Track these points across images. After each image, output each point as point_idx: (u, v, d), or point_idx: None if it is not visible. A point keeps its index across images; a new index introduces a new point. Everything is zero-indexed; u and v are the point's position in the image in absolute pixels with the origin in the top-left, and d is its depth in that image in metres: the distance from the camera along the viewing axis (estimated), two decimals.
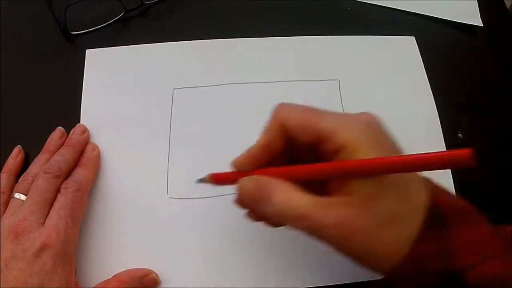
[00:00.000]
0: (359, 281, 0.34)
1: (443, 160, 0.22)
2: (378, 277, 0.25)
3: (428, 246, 0.23)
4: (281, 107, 0.27)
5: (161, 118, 0.38)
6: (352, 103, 0.40)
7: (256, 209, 0.26)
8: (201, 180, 0.31)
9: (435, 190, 0.25)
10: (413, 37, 0.44)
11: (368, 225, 0.23)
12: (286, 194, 0.24)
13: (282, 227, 0.28)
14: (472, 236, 0.24)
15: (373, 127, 0.25)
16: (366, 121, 0.25)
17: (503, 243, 0.25)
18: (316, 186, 0.25)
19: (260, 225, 0.34)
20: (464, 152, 0.20)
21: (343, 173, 0.24)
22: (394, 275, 0.24)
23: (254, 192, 0.26)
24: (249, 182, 0.26)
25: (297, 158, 0.27)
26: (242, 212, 0.29)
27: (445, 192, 0.26)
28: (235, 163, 0.28)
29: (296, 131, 0.26)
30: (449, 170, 0.38)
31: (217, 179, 0.30)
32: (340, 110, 0.40)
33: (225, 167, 0.37)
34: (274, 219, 0.26)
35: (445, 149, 0.39)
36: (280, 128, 0.26)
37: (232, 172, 0.28)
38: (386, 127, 0.25)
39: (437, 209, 0.24)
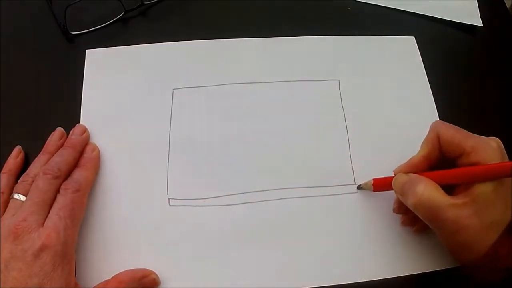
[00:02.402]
0: (359, 281, 0.34)
1: None
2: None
3: (505, 248, 0.29)
4: (437, 123, 0.34)
5: (161, 118, 0.38)
6: (352, 103, 0.40)
7: (403, 199, 0.33)
8: (361, 187, 0.37)
9: None
10: (413, 37, 0.44)
11: (476, 225, 0.30)
12: (427, 187, 0.31)
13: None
14: None
15: (501, 151, 0.32)
16: (498, 145, 0.32)
17: None
18: (446, 187, 0.31)
19: (259, 225, 0.34)
20: None
21: (472, 177, 0.31)
22: (472, 267, 0.31)
23: (404, 183, 0.32)
24: (402, 176, 0.33)
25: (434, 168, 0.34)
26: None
27: None
28: (396, 171, 0.34)
29: (447, 144, 0.32)
30: None
31: (377, 185, 0.35)
32: (340, 110, 0.40)
33: (225, 167, 0.37)
34: (413, 209, 0.32)
35: None
36: (438, 140, 0.33)
37: (390, 177, 0.34)
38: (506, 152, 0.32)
39: None
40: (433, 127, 0.34)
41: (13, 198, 0.32)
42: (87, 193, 0.34)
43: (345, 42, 0.43)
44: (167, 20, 0.44)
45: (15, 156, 0.36)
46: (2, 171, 0.35)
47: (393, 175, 0.34)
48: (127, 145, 0.37)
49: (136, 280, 0.32)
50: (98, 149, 0.36)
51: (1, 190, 0.33)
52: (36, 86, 0.40)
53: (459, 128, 0.33)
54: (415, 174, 0.33)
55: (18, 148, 0.36)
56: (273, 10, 0.45)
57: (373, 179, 0.36)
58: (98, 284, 0.32)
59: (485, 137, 0.32)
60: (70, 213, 0.31)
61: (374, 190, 0.36)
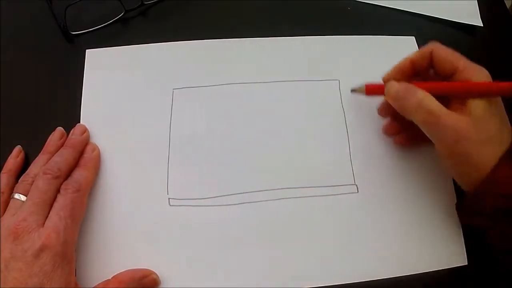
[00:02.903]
0: (359, 281, 0.34)
1: None
2: None
3: (503, 171, 0.30)
4: (435, 44, 0.35)
5: (161, 118, 0.38)
6: (352, 103, 0.40)
7: (397, 104, 0.34)
8: (355, 90, 0.37)
9: None
10: (413, 37, 0.44)
11: (474, 137, 0.31)
12: (426, 95, 0.32)
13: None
14: None
15: (490, 79, 0.33)
16: (488, 73, 0.33)
17: None
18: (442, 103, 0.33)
19: (259, 225, 0.34)
20: None
21: (467, 91, 0.32)
22: (475, 193, 0.32)
23: (400, 90, 0.34)
24: (397, 84, 0.34)
25: None
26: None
27: None
28: (384, 78, 0.36)
29: (441, 60, 0.34)
30: None
31: (370, 90, 0.36)
32: (340, 110, 0.40)
33: (225, 167, 0.37)
34: (408, 111, 0.33)
35: None
36: (430, 53, 0.34)
37: (382, 84, 0.36)
38: None
39: None
40: (429, 44, 0.35)
41: (13, 198, 0.32)
42: (87, 193, 0.34)
43: (345, 42, 0.43)
44: (167, 20, 0.44)
45: (15, 156, 0.36)
46: (2, 171, 0.35)
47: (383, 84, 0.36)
48: (127, 145, 0.37)
49: (136, 280, 0.32)
50: (98, 149, 0.36)
51: (1, 190, 0.33)
52: (36, 86, 0.40)
53: (453, 50, 0.34)
54: (410, 84, 0.34)
55: (18, 148, 0.36)
56: (273, 10, 0.45)
57: (366, 84, 0.37)
58: (98, 284, 0.32)
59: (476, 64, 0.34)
60: (70, 213, 0.31)
61: (367, 94, 0.37)
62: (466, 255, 0.36)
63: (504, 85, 0.32)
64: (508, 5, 0.49)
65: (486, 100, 0.32)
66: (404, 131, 0.37)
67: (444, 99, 0.33)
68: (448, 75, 0.34)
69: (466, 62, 0.33)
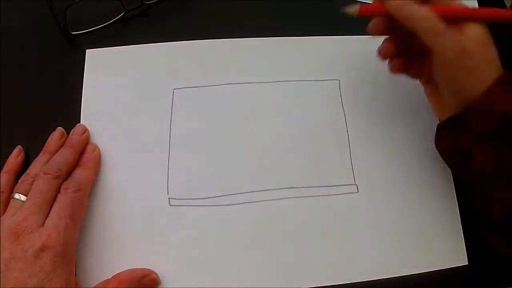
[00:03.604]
0: (359, 281, 0.34)
1: None
2: None
3: (498, 92, 0.31)
4: None
5: (161, 118, 0.38)
6: (352, 103, 0.40)
7: (404, 10, 0.32)
8: (346, 12, 0.34)
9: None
10: None
11: (479, 54, 0.31)
12: (431, 13, 0.31)
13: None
14: None
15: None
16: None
17: None
18: None
19: (259, 225, 0.34)
20: None
21: (459, 12, 0.32)
22: (465, 108, 0.32)
23: (401, 4, 0.32)
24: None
25: None
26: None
27: None
28: None
29: None
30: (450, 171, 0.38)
31: (365, 10, 0.34)
32: (340, 110, 0.40)
33: (226, 167, 0.37)
34: (416, 18, 0.32)
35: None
36: None
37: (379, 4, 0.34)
38: None
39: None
40: None
41: (13, 198, 0.32)
42: (88, 193, 0.34)
43: (345, 42, 0.43)
44: (167, 20, 0.44)
45: (15, 156, 0.36)
46: (2, 171, 0.35)
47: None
48: (127, 145, 0.37)
49: (136, 280, 0.32)
50: (99, 149, 0.36)
51: (1, 189, 0.33)
52: (36, 86, 0.40)
53: None
54: None
55: (18, 148, 0.36)
56: (273, 10, 0.45)
57: (360, 5, 0.34)
58: (98, 284, 0.32)
59: None
60: (70, 213, 0.31)
61: (360, 14, 0.34)
62: (466, 255, 0.36)
63: (497, 10, 0.32)
64: (508, 5, 0.49)
65: (482, 26, 0.32)
66: (399, 56, 0.36)
67: None
68: None
69: None
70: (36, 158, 0.35)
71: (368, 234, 0.36)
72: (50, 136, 0.36)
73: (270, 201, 0.36)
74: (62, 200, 0.31)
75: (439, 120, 0.35)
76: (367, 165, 0.38)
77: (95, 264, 0.34)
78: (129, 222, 0.35)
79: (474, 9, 0.33)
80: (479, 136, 0.31)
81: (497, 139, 0.31)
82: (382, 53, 0.36)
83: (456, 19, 0.32)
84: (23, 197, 0.32)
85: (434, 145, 0.35)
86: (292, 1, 0.45)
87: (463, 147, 0.33)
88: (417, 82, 0.37)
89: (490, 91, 0.31)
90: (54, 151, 0.35)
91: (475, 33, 0.32)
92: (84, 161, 0.35)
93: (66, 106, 0.38)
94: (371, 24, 0.35)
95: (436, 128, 0.35)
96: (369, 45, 0.43)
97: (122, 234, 0.34)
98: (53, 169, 0.32)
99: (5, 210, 0.32)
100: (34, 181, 0.32)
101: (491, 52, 0.32)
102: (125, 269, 0.33)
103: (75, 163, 0.34)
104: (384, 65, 0.37)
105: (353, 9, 0.34)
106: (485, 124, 0.31)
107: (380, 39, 0.36)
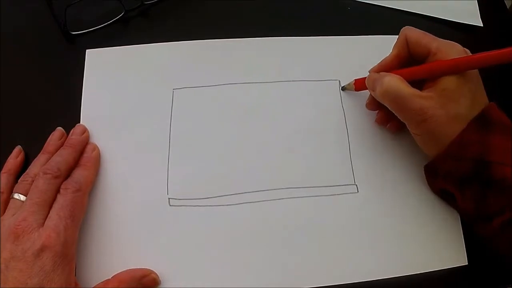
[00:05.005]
0: (359, 281, 0.34)
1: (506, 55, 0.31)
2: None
3: (472, 136, 0.32)
4: (406, 27, 0.36)
5: (161, 118, 0.38)
6: (352, 103, 0.40)
7: (372, 94, 0.37)
8: (344, 88, 0.40)
9: (493, 104, 0.33)
10: None
11: (441, 115, 0.32)
12: (392, 80, 0.34)
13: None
14: (508, 146, 0.32)
15: (466, 53, 0.34)
16: (463, 49, 0.34)
17: None
18: (414, 84, 0.34)
19: (259, 225, 0.34)
20: None
21: (434, 71, 0.33)
22: (440, 156, 0.33)
23: (369, 80, 0.37)
24: (373, 74, 0.37)
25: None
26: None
27: (499, 108, 0.34)
28: (371, 71, 0.38)
29: (414, 46, 0.35)
30: None
31: (358, 84, 0.39)
32: (340, 110, 0.40)
33: (225, 167, 0.37)
34: (381, 98, 0.35)
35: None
36: (406, 42, 0.35)
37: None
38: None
39: (489, 114, 0.32)
40: (401, 30, 0.36)
41: (13, 198, 0.32)
42: (88, 193, 0.34)
43: (345, 42, 0.43)
44: (167, 20, 0.44)
45: (15, 156, 0.36)
46: (2, 171, 0.35)
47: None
48: (127, 145, 0.37)
49: (136, 280, 0.32)
50: (98, 149, 0.36)
51: (1, 190, 0.33)
52: (36, 86, 0.40)
53: (426, 32, 0.35)
54: (384, 72, 0.36)
55: (18, 148, 0.36)
56: (273, 10, 0.45)
57: (355, 80, 0.39)
58: (98, 284, 0.32)
59: (451, 41, 0.35)
60: (70, 213, 0.31)
61: (356, 90, 0.39)
62: (466, 255, 0.36)
63: (466, 59, 0.33)
64: (508, 5, 0.49)
65: (457, 76, 0.32)
66: (393, 119, 0.37)
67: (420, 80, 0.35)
68: (423, 59, 0.35)
69: (439, 43, 0.34)
70: (36, 158, 0.35)
71: (368, 234, 0.36)
72: (50, 136, 0.36)
73: (270, 201, 0.36)
74: (62, 200, 0.31)
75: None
76: (367, 165, 0.38)
77: (95, 264, 0.34)
78: (129, 222, 0.35)
79: (440, 63, 0.33)
80: (456, 181, 0.33)
81: (473, 182, 0.32)
82: (378, 122, 0.39)
83: (424, 78, 0.34)
84: (22, 197, 0.32)
85: None
86: (292, 1, 0.45)
87: (447, 189, 0.35)
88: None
89: (461, 135, 0.32)
90: (54, 151, 0.35)
91: (446, 86, 0.32)
92: (84, 161, 0.35)
93: (66, 106, 0.38)
94: (367, 103, 0.39)
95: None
96: (369, 45, 0.44)
97: (122, 234, 0.34)
98: (53, 169, 0.32)
99: (5, 211, 0.32)
100: (33, 181, 0.32)
101: (461, 104, 0.32)
102: (125, 269, 0.33)
103: (75, 163, 0.34)
104: None
105: (348, 85, 0.40)
106: (459, 170, 0.33)
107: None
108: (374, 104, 0.38)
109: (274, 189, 0.37)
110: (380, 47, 0.43)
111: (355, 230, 0.36)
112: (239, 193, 0.36)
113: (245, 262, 0.34)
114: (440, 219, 0.36)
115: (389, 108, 0.35)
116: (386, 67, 0.37)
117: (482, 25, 0.45)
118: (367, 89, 0.37)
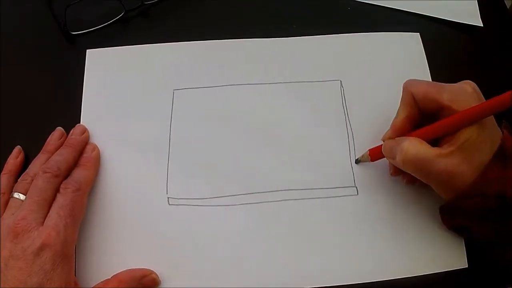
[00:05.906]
0: (359, 282, 0.34)
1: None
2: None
3: (493, 173, 0.30)
4: (408, 82, 0.34)
5: (161, 118, 0.38)
6: (354, 103, 0.40)
7: (394, 162, 0.33)
8: (359, 160, 0.38)
9: (506, 134, 0.32)
10: (418, 33, 0.43)
11: (467, 169, 0.30)
12: (413, 144, 0.32)
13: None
14: None
15: (477, 94, 0.32)
16: (473, 89, 0.32)
17: None
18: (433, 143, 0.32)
19: (259, 226, 0.34)
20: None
21: (454, 126, 0.31)
22: (460, 197, 0.31)
23: (385, 151, 0.34)
24: (389, 141, 0.34)
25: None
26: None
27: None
28: (384, 138, 0.35)
29: (423, 101, 0.33)
30: None
31: (373, 154, 0.36)
32: (341, 111, 0.40)
33: (225, 168, 0.37)
34: (402, 166, 0.33)
35: None
36: (413, 99, 0.33)
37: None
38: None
39: (506, 148, 0.31)
40: (405, 86, 0.34)
41: (12, 197, 0.32)
42: (87, 193, 0.34)
43: (346, 40, 0.43)
44: (167, 20, 0.44)
45: (15, 156, 0.36)
46: (2, 172, 0.35)
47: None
48: (127, 145, 0.37)
49: (136, 280, 0.32)
50: (98, 148, 0.36)
51: (2, 191, 0.33)
52: (36, 86, 0.40)
53: (431, 82, 0.34)
54: (400, 137, 0.33)
55: (18, 148, 0.36)
56: (273, 10, 0.45)
57: (369, 150, 0.37)
58: (98, 284, 0.32)
59: (458, 84, 0.33)
60: (70, 212, 0.31)
61: (372, 160, 0.37)
62: (466, 258, 0.36)
63: (487, 105, 0.31)
64: (508, 5, 0.49)
65: (476, 127, 0.31)
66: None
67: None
68: (434, 112, 0.33)
69: (449, 94, 0.32)
70: (36, 158, 0.35)
71: (368, 236, 0.36)
72: (50, 135, 0.36)
73: (270, 202, 0.36)
74: (62, 199, 0.31)
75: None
76: (368, 167, 0.38)
77: (95, 264, 0.34)
78: (129, 222, 0.35)
79: (459, 118, 0.31)
80: (478, 218, 0.32)
81: (494, 216, 0.31)
82: (393, 174, 0.36)
83: (442, 135, 0.32)
84: (22, 196, 0.32)
85: None
86: (292, 2, 0.45)
87: (464, 225, 0.34)
88: None
89: (484, 173, 0.30)
90: (54, 151, 0.35)
91: (466, 138, 0.30)
92: (84, 161, 0.35)
93: (66, 106, 0.38)
94: (391, 172, 0.36)
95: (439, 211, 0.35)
96: (371, 42, 0.43)
97: (122, 234, 0.34)
98: (53, 168, 0.32)
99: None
100: (33, 180, 0.32)
101: (484, 151, 0.31)
102: (125, 268, 0.33)
103: (75, 163, 0.34)
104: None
105: (364, 157, 0.37)
106: (481, 208, 0.31)
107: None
108: (398, 170, 0.35)
109: (274, 191, 0.37)
110: (383, 44, 0.43)
111: (355, 232, 0.36)
112: (238, 194, 0.36)
113: (244, 263, 0.34)
114: (440, 222, 0.36)
115: (412, 174, 0.33)
116: (399, 131, 0.34)
117: (482, 25, 0.45)
118: (383, 157, 0.35)
